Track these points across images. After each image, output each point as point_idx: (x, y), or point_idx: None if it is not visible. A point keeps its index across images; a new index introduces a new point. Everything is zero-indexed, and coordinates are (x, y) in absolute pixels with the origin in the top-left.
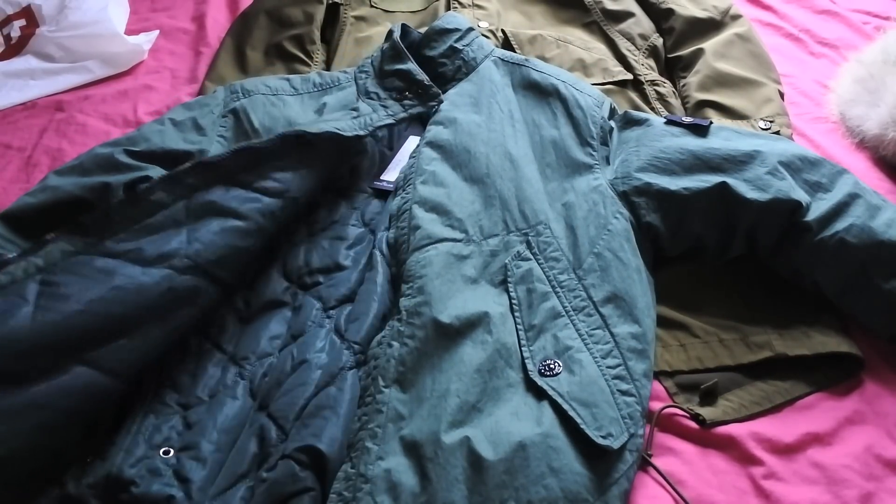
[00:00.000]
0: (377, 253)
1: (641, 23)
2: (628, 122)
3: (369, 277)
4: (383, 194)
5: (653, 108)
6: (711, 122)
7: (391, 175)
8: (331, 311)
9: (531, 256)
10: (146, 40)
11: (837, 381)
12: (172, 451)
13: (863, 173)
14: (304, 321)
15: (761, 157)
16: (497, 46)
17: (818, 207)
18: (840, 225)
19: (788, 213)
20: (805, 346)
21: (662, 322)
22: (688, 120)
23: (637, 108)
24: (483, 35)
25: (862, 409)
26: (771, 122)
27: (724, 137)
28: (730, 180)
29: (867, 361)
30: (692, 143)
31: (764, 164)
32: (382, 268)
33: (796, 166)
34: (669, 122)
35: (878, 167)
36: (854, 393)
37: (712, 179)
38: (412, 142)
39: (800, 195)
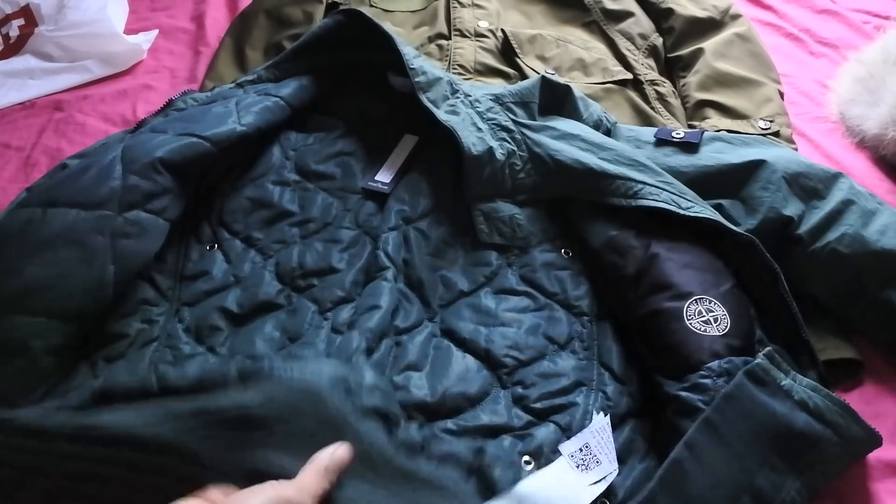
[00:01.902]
0: (381, 253)
1: (641, 22)
2: None
3: (379, 276)
4: (376, 196)
5: (653, 108)
6: (704, 133)
7: (385, 176)
8: (327, 314)
9: None
10: (145, 40)
11: (837, 381)
12: None
13: (863, 173)
14: (301, 323)
15: (753, 171)
16: (497, 46)
17: (811, 218)
18: (832, 235)
19: (781, 228)
20: None
21: None
22: (678, 137)
23: (637, 107)
24: (483, 34)
25: (862, 409)
26: (771, 121)
27: (716, 150)
28: (725, 202)
29: (867, 362)
30: (683, 163)
31: (757, 179)
32: (390, 269)
33: (791, 173)
34: (660, 143)
35: (878, 167)
36: (854, 393)
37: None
38: (407, 140)
39: (792, 209)
